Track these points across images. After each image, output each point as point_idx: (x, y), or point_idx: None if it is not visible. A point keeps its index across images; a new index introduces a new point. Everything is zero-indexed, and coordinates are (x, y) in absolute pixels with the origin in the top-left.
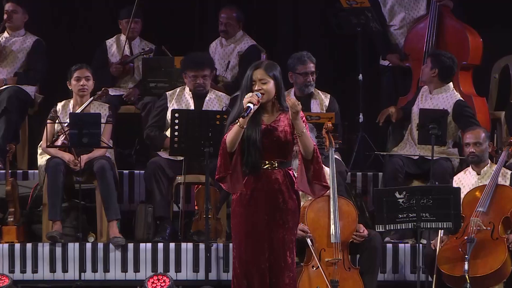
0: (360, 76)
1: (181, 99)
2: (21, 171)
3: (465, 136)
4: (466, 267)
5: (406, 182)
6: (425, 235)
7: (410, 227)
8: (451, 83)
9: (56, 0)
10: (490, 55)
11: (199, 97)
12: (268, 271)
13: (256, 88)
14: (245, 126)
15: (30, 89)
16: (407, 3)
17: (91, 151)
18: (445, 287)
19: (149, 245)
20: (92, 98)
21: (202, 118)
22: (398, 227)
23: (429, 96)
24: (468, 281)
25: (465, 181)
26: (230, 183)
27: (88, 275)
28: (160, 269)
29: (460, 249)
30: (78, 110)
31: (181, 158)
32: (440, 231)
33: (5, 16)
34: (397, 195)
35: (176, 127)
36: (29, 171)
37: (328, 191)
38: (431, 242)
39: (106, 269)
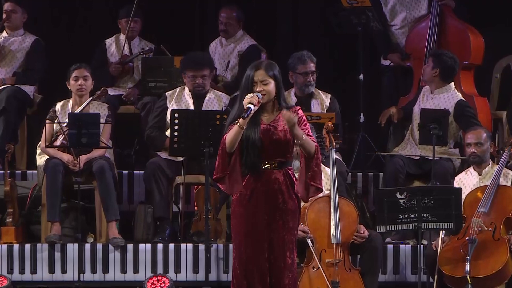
0: (361, 76)
1: (180, 99)
2: (19, 171)
3: (466, 136)
4: (467, 268)
5: (407, 182)
6: (426, 235)
7: (411, 227)
8: (452, 83)
9: (55, 0)
10: (491, 55)
11: (198, 97)
12: (268, 272)
13: (258, 90)
14: (245, 127)
15: (29, 89)
16: (409, 3)
17: (90, 152)
18: None
19: (148, 245)
20: (91, 98)
21: (202, 118)
22: (399, 228)
23: (430, 96)
24: (470, 282)
25: (467, 181)
26: (228, 184)
27: (87, 276)
28: (160, 270)
29: (461, 250)
30: (77, 110)
31: (181, 158)
32: (441, 231)
33: (4, 16)
34: (398, 195)
35: (176, 127)
36: (28, 171)
37: (328, 192)
38: (432, 242)
39: (105, 270)
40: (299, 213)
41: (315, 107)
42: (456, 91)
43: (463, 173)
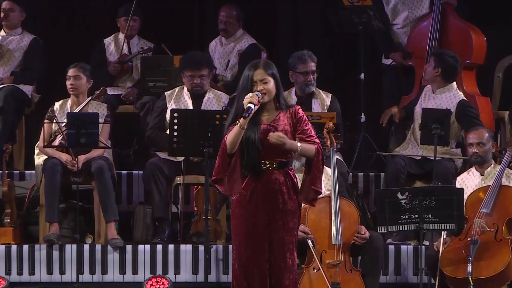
0: (362, 75)
1: (179, 99)
2: (17, 171)
3: (468, 136)
4: (469, 269)
5: (408, 182)
6: (427, 236)
7: (412, 228)
8: (454, 83)
9: None
10: (493, 54)
11: (197, 97)
12: (268, 273)
13: (258, 89)
14: (245, 127)
15: (27, 89)
16: (410, 2)
17: (89, 152)
18: None
19: (147, 246)
20: (90, 97)
21: (201, 118)
22: (400, 229)
23: (432, 96)
24: (472, 283)
25: (469, 181)
26: (227, 185)
27: (86, 277)
28: (159, 271)
29: (463, 251)
30: (76, 110)
31: (180, 158)
32: (443, 232)
33: (1, 15)
34: (399, 196)
35: (175, 127)
36: (26, 171)
37: (329, 192)
38: (434, 243)
39: (104, 271)
40: (299, 214)
41: (316, 107)
42: (458, 90)
43: (465, 173)
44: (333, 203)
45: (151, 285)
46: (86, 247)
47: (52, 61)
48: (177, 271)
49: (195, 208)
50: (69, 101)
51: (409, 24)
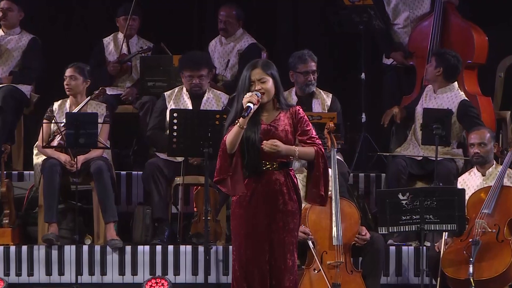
0: (363, 75)
1: (179, 99)
2: (16, 172)
3: (469, 136)
4: (470, 270)
5: (409, 183)
6: (429, 237)
7: (413, 229)
8: (455, 83)
9: None
10: (495, 54)
11: (196, 97)
12: (268, 274)
13: (256, 88)
14: (245, 127)
15: (26, 88)
16: (411, 2)
17: (88, 152)
18: None
19: (147, 247)
20: (89, 97)
21: (201, 118)
22: (402, 229)
23: (433, 96)
24: (473, 285)
25: (470, 182)
26: (230, 186)
27: (85, 278)
28: (159, 272)
29: (464, 252)
30: (75, 110)
31: (180, 159)
32: (444, 233)
33: (0, 14)
34: (400, 196)
35: (175, 127)
36: (25, 172)
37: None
38: (435, 244)
39: (103, 272)
40: (300, 215)
41: (316, 107)
42: (459, 90)
43: (467, 173)
44: (333, 204)
45: (151, 286)
46: (85, 248)
47: (50, 61)
48: (176, 272)
49: (195, 209)
50: (68, 101)
51: (410, 24)
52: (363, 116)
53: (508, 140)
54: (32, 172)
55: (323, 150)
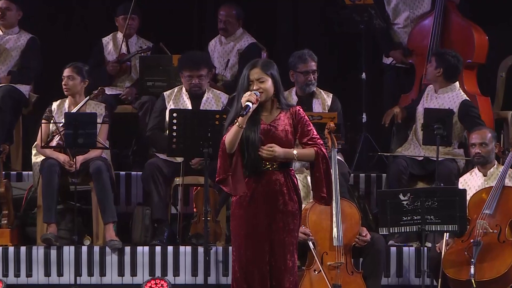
0: (363, 75)
1: (178, 99)
2: (15, 172)
3: (471, 136)
4: (472, 271)
5: (410, 183)
6: (430, 238)
7: (414, 229)
8: (457, 82)
9: None
10: (497, 53)
11: (195, 97)
12: (268, 275)
13: (254, 88)
14: (244, 126)
15: (24, 88)
16: (411, 2)
17: (87, 152)
18: None
19: (146, 248)
20: (88, 97)
21: (201, 118)
22: (402, 230)
23: (434, 96)
24: (474, 286)
25: (471, 182)
26: (231, 185)
27: (84, 279)
28: (158, 273)
29: (466, 253)
30: (74, 110)
31: (180, 159)
32: (445, 234)
33: None
34: (401, 197)
35: (174, 127)
36: (23, 172)
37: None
38: (436, 245)
39: (102, 273)
40: (300, 215)
41: (317, 107)
42: (460, 90)
43: (468, 174)
44: (334, 204)
45: (150, 287)
46: (84, 248)
47: (49, 60)
48: (176, 273)
49: (195, 209)
50: (67, 101)
51: (410, 24)
52: (364, 116)
53: (510, 140)
54: (30, 172)
55: (324, 150)
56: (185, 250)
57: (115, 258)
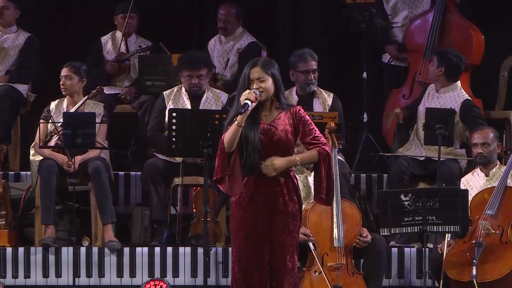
0: (364, 74)
1: (178, 99)
2: (13, 172)
3: (473, 136)
4: (474, 272)
5: (411, 184)
6: (431, 239)
7: (416, 230)
8: (458, 82)
9: None
10: (497, 54)
11: (195, 97)
12: (268, 276)
13: (254, 87)
14: (243, 125)
15: (23, 88)
16: (410, 1)
17: (86, 152)
18: None
19: (145, 249)
20: (86, 97)
21: (200, 118)
22: (404, 231)
23: (435, 95)
24: (476, 287)
25: (473, 183)
26: (228, 185)
27: (82, 280)
28: (157, 274)
29: (468, 254)
30: (72, 110)
31: (179, 159)
32: (447, 234)
33: None
34: (402, 197)
35: (174, 127)
36: (21, 172)
37: None
38: (438, 246)
39: (101, 274)
40: (300, 216)
41: (317, 107)
42: (462, 90)
43: (470, 174)
44: (335, 205)
45: None
46: (82, 249)
47: (48, 60)
48: (175, 274)
49: (194, 210)
50: (65, 101)
51: (409, 23)
52: (365, 116)
53: None
54: (29, 172)
55: (326, 149)
56: (185, 251)
57: (114, 259)
